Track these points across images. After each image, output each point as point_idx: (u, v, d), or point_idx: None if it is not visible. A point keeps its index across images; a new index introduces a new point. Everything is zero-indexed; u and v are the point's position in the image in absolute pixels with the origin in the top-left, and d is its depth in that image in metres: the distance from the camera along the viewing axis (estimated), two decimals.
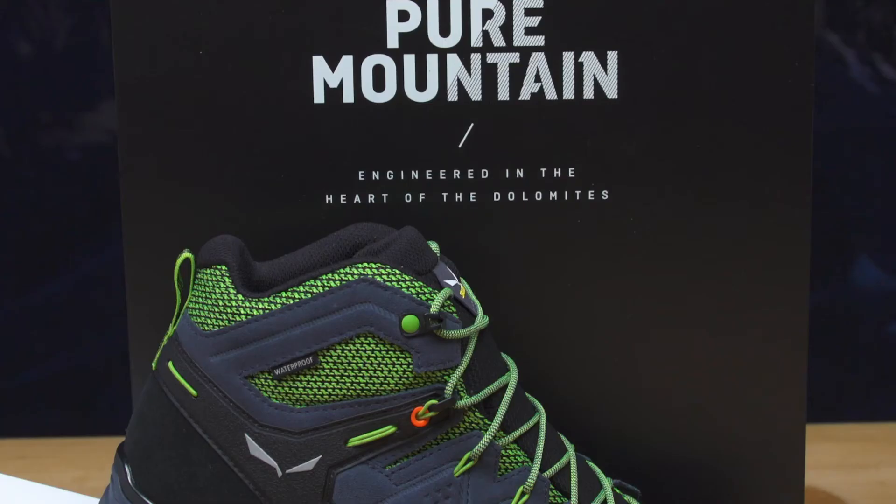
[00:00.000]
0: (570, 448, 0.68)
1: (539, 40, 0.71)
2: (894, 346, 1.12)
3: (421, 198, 0.72)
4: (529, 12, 0.71)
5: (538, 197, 0.72)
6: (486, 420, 0.65)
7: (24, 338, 1.11)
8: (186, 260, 0.67)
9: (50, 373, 1.11)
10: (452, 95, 0.71)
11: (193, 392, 0.66)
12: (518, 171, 0.72)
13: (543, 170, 0.72)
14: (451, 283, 0.66)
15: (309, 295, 0.64)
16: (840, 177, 1.09)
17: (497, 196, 0.72)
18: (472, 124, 0.72)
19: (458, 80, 0.71)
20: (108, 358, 1.10)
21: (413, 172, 0.72)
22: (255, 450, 0.65)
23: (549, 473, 0.66)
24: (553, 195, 0.72)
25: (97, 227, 1.09)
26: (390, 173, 0.72)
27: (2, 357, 1.11)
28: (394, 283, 0.64)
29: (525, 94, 0.71)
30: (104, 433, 1.02)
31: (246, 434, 0.65)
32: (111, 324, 1.09)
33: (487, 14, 0.71)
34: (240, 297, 0.65)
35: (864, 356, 1.12)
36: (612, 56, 0.71)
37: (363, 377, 0.64)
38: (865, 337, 1.12)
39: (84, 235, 1.10)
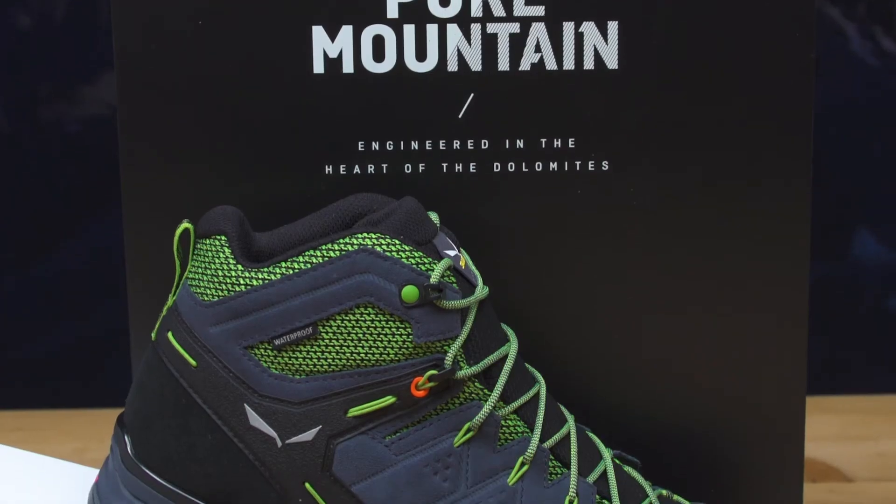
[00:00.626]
0: (570, 419, 0.68)
1: (539, 10, 0.71)
2: (894, 320, 1.12)
3: (421, 168, 0.72)
4: None
5: (538, 167, 0.72)
6: (485, 390, 0.65)
7: (25, 310, 1.11)
8: (186, 230, 0.67)
9: (50, 345, 1.11)
10: (452, 66, 0.71)
11: (193, 362, 0.66)
12: (518, 141, 0.72)
13: (543, 140, 0.72)
14: (451, 253, 0.66)
15: (309, 265, 0.64)
16: (840, 150, 1.09)
17: (497, 166, 0.72)
18: (472, 95, 0.71)
19: (458, 50, 0.71)
20: (108, 330, 1.10)
21: (413, 143, 0.72)
22: (255, 420, 0.65)
23: (548, 444, 0.66)
24: (553, 166, 0.72)
25: (97, 201, 1.09)
26: (390, 144, 0.72)
27: (2, 329, 1.11)
28: (393, 253, 0.64)
29: (525, 65, 0.71)
30: (104, 405, 1.02)
31: (245, 404, 0.65)
32: (111, 296, 1.09)
33: None
34: (239, 267, 0.65)
35: (864, 329, 1.12)
36: (613, 26, 0.71)
37: (363, 347, 0.64)
38: (865, 310, 1.12)
39: (84, 209, 1.10)
